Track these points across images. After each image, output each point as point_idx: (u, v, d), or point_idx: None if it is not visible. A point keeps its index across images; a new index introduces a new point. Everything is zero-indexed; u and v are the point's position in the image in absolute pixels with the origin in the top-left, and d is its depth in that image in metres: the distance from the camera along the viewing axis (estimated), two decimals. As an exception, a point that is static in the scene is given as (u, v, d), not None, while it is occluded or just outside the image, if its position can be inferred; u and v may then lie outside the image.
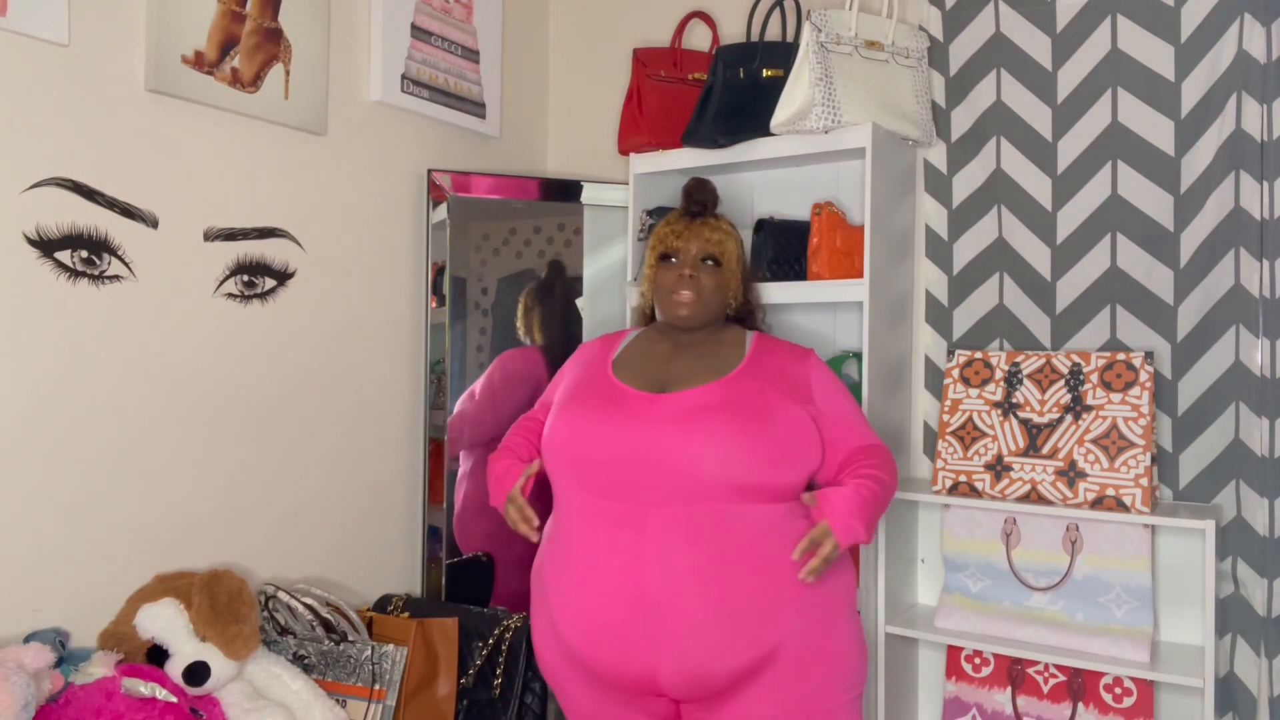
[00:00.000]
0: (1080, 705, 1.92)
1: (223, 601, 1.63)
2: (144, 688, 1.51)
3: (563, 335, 2.44)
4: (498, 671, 1.93)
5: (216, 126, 1.86)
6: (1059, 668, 1.94)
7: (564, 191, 2.45)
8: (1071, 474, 1.83)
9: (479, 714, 1.94)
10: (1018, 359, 1.96)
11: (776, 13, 2.20)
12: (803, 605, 1.50)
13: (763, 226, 2.14)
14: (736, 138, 2.10)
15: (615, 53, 2.60)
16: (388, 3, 2.20)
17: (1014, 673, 1.99)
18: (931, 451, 2.16)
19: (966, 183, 2.13)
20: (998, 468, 1.91)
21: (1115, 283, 1.97)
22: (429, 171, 2.30)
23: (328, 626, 1.84)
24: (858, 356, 2.11)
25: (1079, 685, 1.92)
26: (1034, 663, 1.96)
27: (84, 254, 1.65)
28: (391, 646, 1.81)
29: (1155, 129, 1.93)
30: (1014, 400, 1.94)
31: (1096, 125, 1.98)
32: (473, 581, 2.31)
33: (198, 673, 1.57)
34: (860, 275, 1.98)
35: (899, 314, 2.13)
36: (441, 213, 2.30)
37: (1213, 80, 1.86)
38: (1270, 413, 1.79)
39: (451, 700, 1.89)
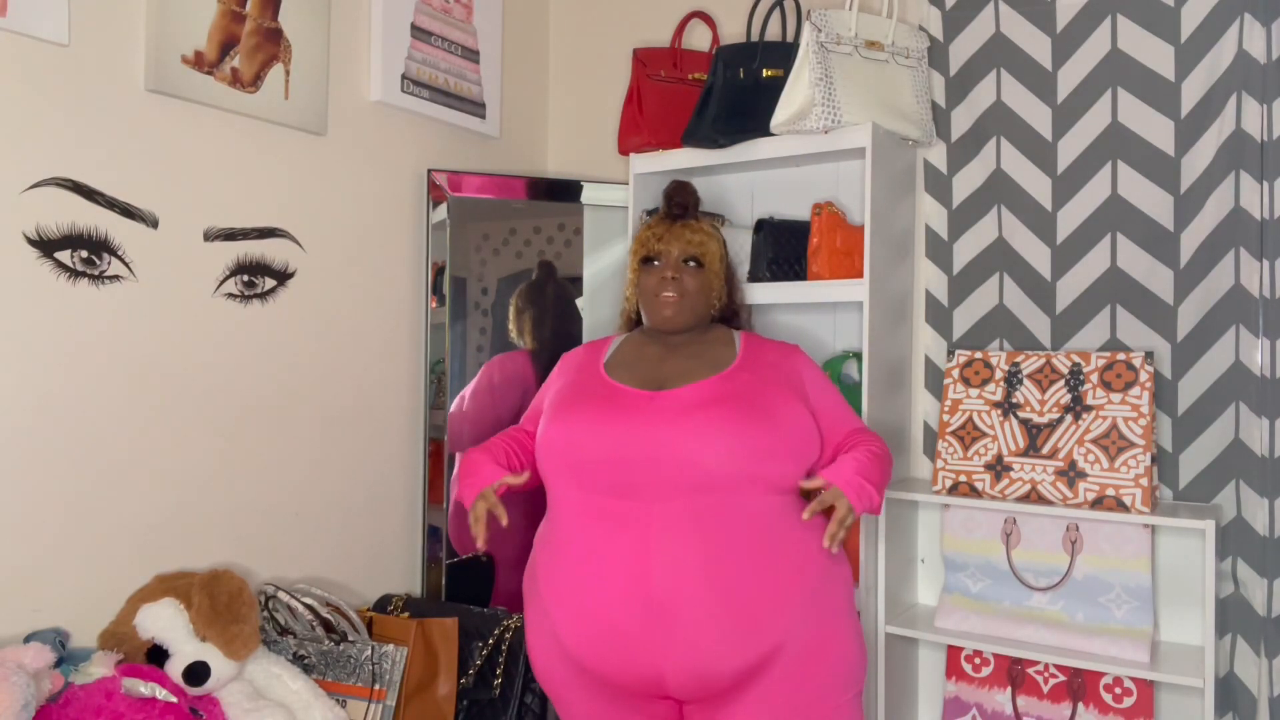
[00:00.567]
0: (1080, 705, 1.92)
1: (223, 601, 1.63)
2: (144, 688, 1.52)
3: (555, 335, 2.43)
4: (498, 671, 1.93)
5: (216, 126, 1.86)
6: (1059, 668, 1.94)
7: (564, 191, 2.45)
8: (1071, 474, 1.83)
9: (479, 714, 1.94)
10: (1018, 359, 1.96)
11: (776, 13, 2.20)
12: (804, 602, 1.50)
13: (763, 226, 2.14)
14: (736, 138, 2.10)
15: (615, 53, 2.60)
16: (388, 3, 2.20)
17: (1014, 673, 1.99)
18: (931, 451, 2.16)
19: (966, 183, 2.13)
20: (998, 468, 1.91)
21: (1115, 283, 1.97)
22: (429, 171, 2.30)
23: (328, 626, 1.84)
24: (858, 356, 2.11)
25: (1079, 685, 1.92)
26: (1034, 663, 1.96)
27: (84, 254, 1.65)
28: (391, 646, 1.81)
29: (1155, 129, 1.93)
30: (1014, 400, 1.94)
31: (1096, 125, 1.98)
32: (473, 581, 2.31)
33: (198, 673, 1.57)
34: (860, 275, 1.98)
35: (899, 314, 2.13)
36: (441, 213, 2.30)
37: (1213, 80, 1.86)
38: (1270, 413, 1.79)
39: (451, 700, 1.89)
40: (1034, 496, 1.86)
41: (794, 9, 2.24)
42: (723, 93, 2.12)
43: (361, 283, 2.18)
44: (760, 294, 2.07)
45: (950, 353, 2.05)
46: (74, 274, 1.64)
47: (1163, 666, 1.75)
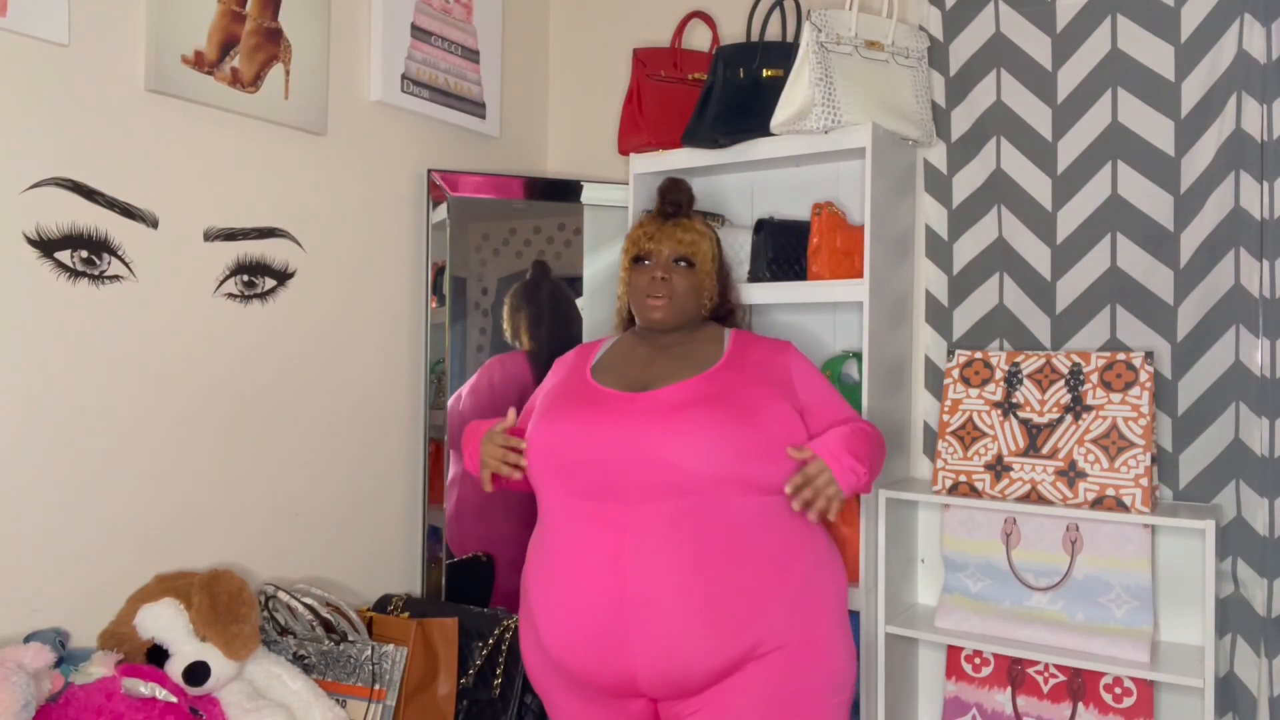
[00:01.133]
0: (1080, 705, 1.92)
1: (223, 601, 1.63)
2: (144, 688, 1.52)
3: (551, 336, 2.43)
4: (498, 671, 1.93)
5: (216, 126, 1.86)
6: (1059, 668, 1.94)
7: (564, 191, 2.45)
8: (1071, 474, 1.83)
9: (479, 714, 1.94)
10: (1018, 359, 1.96)
11: (776, 13, 2.20)
12: (785, 603, 1.49)
13: (763, 226, 2.14)
14: (736, 138, 2.10)
15: (615, 53, 2.60)
16: (388, 3, 2.20)
17: (1014, 673, 1.99)
18: (931, 451, 2.15)
19: (966, 183, 2.13)
20: (998, 468, 1.91)
21: (1115, 283, 1.97)
22: (429, 171, 2.30)
23: (328, 626, 1.84)
24: (858, 356, 2.11)
25: (1079, 685, 1.92)
26: (1034, 663, 1.96)
27: (84, 254, 1.66)
28: (391, 646, 1.81)
29: (1155, 129, 1.93)
30: (1014, 400, 1.94)
31: (1096, 125, 1.98)
32: (473, 581, 2.31)
33: (198, 673, 1.57)
34: (860, 275, 1.98)
35: (899, 314, 2.13)
36: (441, 213, 2.30)
37: (1213, 80, 1.86)
38: (1270, 413, 1.79)
39: (451, 700, 1.89)
40: (1034, 496, 1.86)
41: (794, 9, 2.24)
42: (723, 93, 2.12)
43: (361, 283, 2.18)
44: (760, 294, 2.07)
45: (950, 353, 2.05)
46: (74, 274, 1.64)
47: (1163, 666, 1.75)
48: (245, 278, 1.92)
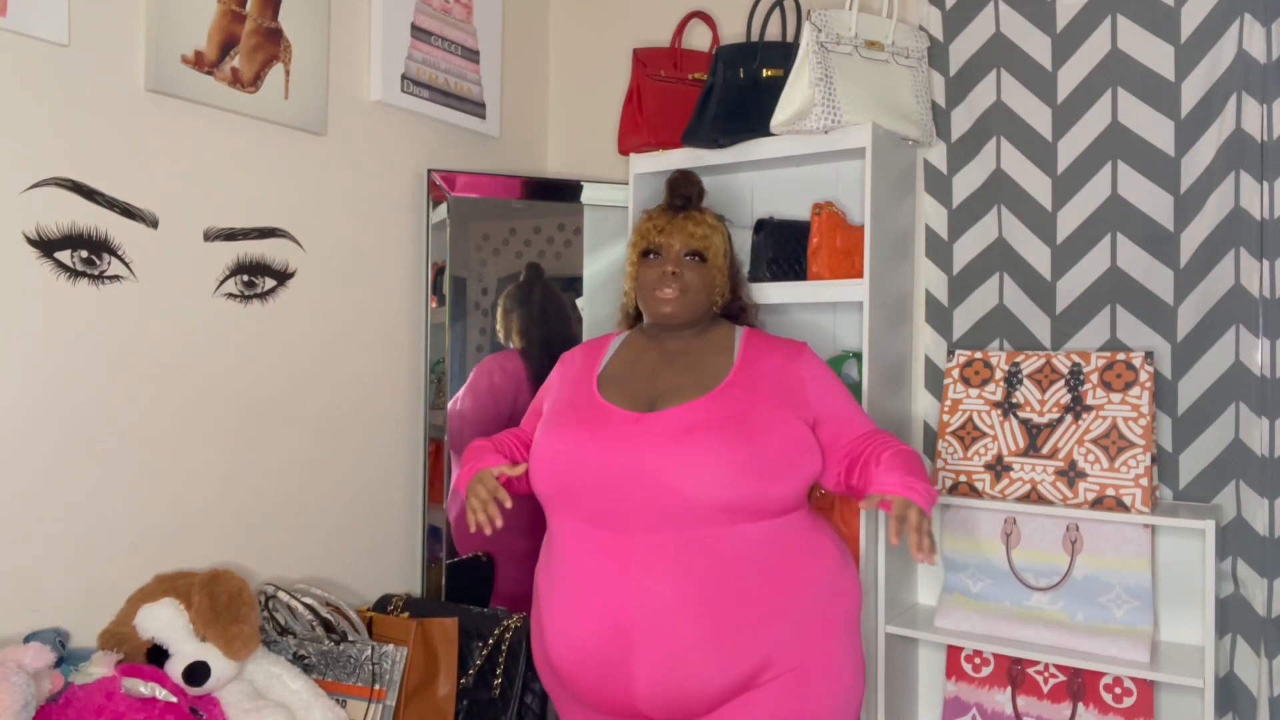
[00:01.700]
0: (1080, 705, 1.92)
1: (223, 601, 1.63)
2: (144, 688, 1.51)
3: (545, 337, 2.43)
4: (498, 671, 1.93)
5: (216, 126, 1.86)
6: (1059, 668, 1.94)
7: (564, 191, 2.46)
8: (1071, 474, 1.83)
9: (479, 714, 1.93)
10: (1018, 359, 1.96)
11: (776, 13, 2.20)
12: (793, 624, 1.47)
13: (763, 226, 2.14)
14: (736, 138, 2.10)
15: (615, 53, 2.60)
16: (388, 3, 2.20)
17: (1014, 673, 1.99)
18: (931, 451, 2.15)
19: (966, 183, 2.13)
20: (998, 468, 1.91)
21: (1115, 283, 1.97)
22: (429, 171, 2.30)
23: (328, 626, 1.84)
24: (858, 356, 2.11)
25: (1079, 685, 1.92)
26: (1034, 663, 1.96)
27: (84, 254, 1.65)
28: (391, 646, 1.81)
29: (1155, 129, 1.93)
30: (1014, 400, 1.94)
31: (1096, 125, 1.98)
32: (473, 581, 2.31)
33: (198, 673, 1.57)
34: (860, 275, 1.98)
35: (899, 314, 2.13)
36: (441, 213, 2.30)
37: (1213, 80, 1.86)
38: (1270, 413, 1.79)
39: (451, 700, 1.89)
40: (1034, 496, 1.86)
41: (794, 9, 2.24)
42: (723, 93, 2.12)
43: (361, 283, 2.17)
44: (760, 294, 2.07)
45: (950, 353, 2.05)
46: (74, 274, 1.64)
47: (1163, 666, 1.75)
48: (245, 278, 1.92)
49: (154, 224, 1.76)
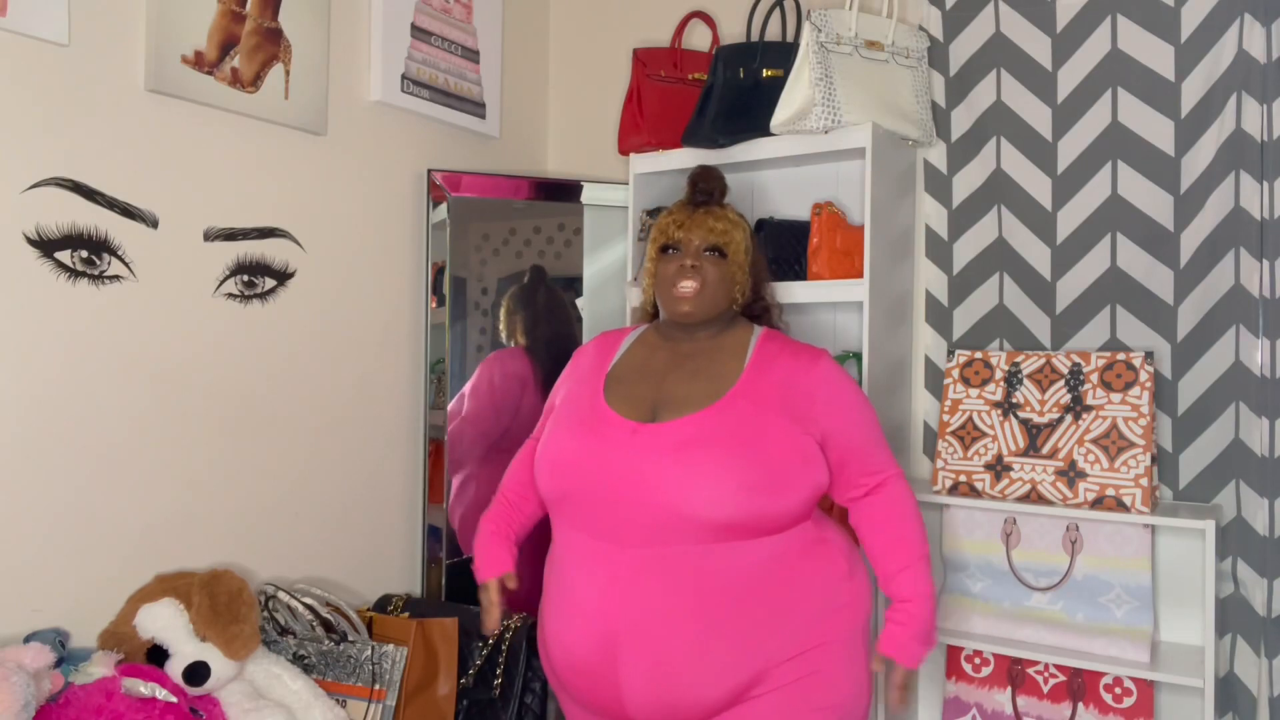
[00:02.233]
0: (1080, 705, 1.92)
1: (223, 601, 1.63)
2: (144, 688, 1.52)
3: (549, 338, 2.43)
4: (498, 671, 1.93)
5: (216, 126, 1.86)
6: (1059, 668, 1.94)
7: (564, 191, 2.46)
8: (1071, 474, 1.83)
9: (479, 714, 1.93)
10: (1018, 359, 1.96)
11: (776, 13, 2.20)
12: (791, 636, 1.45)
13: (763, 226, 2.14)
14: (736, 138, 2.10)
15: (615, 53, 2.60)
16: (388, 3, 2.20)
17: (1014, 673, 1.99)
18: (931, 451, 2.16)
19: (966, 183, 2.13)
20: (998, 468, 1.91)
21: (1115, 283, 1.97)
22: (429, 171, 2.30)
23: (328, 626, 1.84)
24: (858, 356, 2.11)
25: (1079, 685, 1.92)
26: (1034, 663, 1.96)
27: (84, 254, 1.65)
28: (391, 646, 1.81)
29: (1155, 129, 1.93)
30: (1014, 400, 1.94)
31: (1096, 125, 1.98)
32: (473, 581, 2.30)
33: (198, 673, 1.57)
34: (860, 275, 1.98)
35: (899, 314, 2.13)
36: (441, 213, 2.30)
37: (1213, 80, 1.86)
38: (1270, 413, 1.79)
39: (451, 700, 1.89)
40: (1034, 496, 1.86)
41: (794, 9, 2.24)
42: (723, 93, 2.12)
43: (361, 283, 2.17)
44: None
45: (950, 353, 2.05)
46: (74, 274, 1.64)
47: (1163, 666, 1.75)
48: (245, 278, 1.92)
49: (154, 224, 1.76)
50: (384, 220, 2.23)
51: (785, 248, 2.12)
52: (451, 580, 2.28)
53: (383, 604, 2.06)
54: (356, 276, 2.16)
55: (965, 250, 2.14)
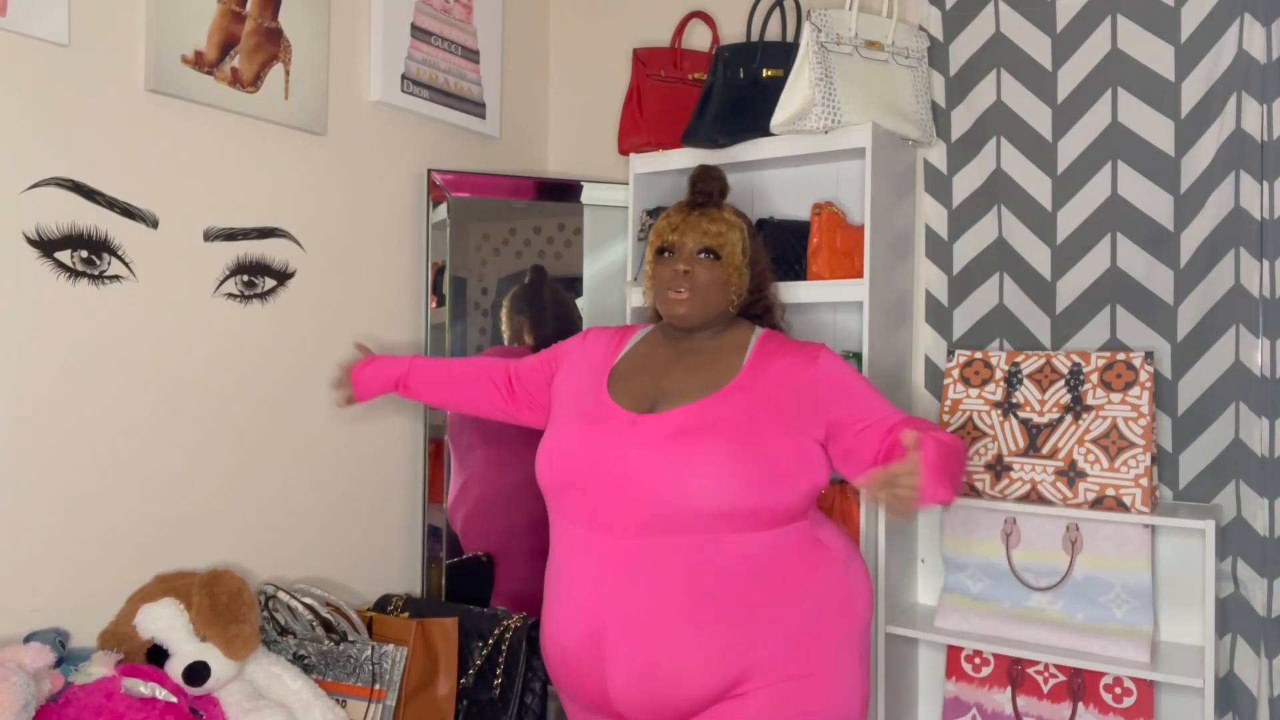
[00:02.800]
0: (1080, 705, 1.92)
1: (223, 601, 1.63)
2: (144, 688, 1.52)
3: (549, 338, 2.42)
4: (498, 671, 1.93)
5: (216, 126, 1.86)
6: (1059, 668, 1.94)
7: (564, 191, 2.45)
8: (1071, 474, 1.83)
9: (479, 714, 1.94)
10: (1018, 359, 1.96)
11: (776, 13, 2.20)
12: (783, 635, 1.44)
13: (763, 226, 2.14)
14: (736, 138, 2.10)
15: (615, 53, 2.60)
16: (388, 3, 2.20)
17: (1014, 673, 1.99)
18: (931, 451, 2.15)
19: (966, 183, 2.13)
20: (998, 468, 1.91)
21: (1115, 283, 1.97)
22: (429, 171, 2.30)
23: (328, 626, 1.84)
24: (858, 356, 2.11)
25: (1079, 685, 1.92)
26: (1034, 663, 1.96)
27: (84, 254, 1.65)
28: (391, 646, 1.81)
29: (1155, 129, 1.93)
30: (1014, 400, 1.94)
31: (1096, 125, 1.98)
32: (473, 581, 2.31)
33: (198, 673, 1.57)
34: (860, 275, 1.98)
35: (899, 314, 2.13)
36: (441, 213, 2.30)
37: (1213, 80, 1.86)
38: (1270, 413, 1.79)
39: (451, 700, 1.89)
40: (1034, 496, 1.86)
41: (794, 9, 2.24)
42: (723, 93, 2.12)
43: (361, 283, 2.17)
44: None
45: (950, 353, 2.05)
46: (74, 274, 1.64)
47: (1163, 666, 1.75)
48: (245, 278, 1.92)
49: (154, 224, 1.76)
50: (384, 220, 2.23)
51: (785, 248, 2.12)
52: (451, 580, 2.28)
53: (383, 604, 2.06)
54: (356, 277, 2.16)
55: (965, 250, 2.14)
